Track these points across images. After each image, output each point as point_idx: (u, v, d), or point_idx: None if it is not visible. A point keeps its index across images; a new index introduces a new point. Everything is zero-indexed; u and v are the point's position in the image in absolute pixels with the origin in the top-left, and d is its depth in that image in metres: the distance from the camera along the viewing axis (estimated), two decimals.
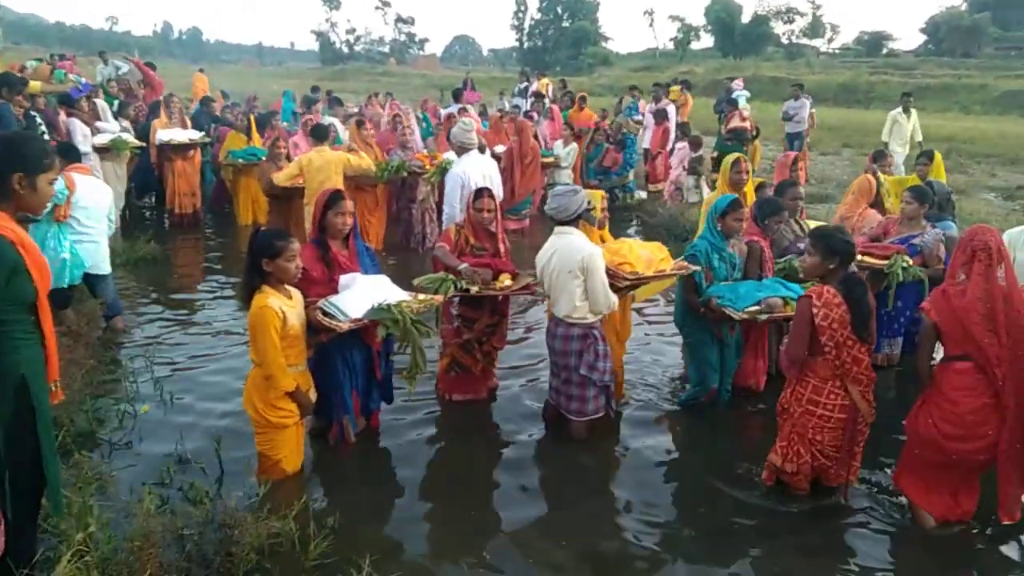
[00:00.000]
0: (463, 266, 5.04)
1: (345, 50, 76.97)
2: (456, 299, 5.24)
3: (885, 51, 64.34)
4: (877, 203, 6.89)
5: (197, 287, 8.31)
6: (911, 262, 5.50)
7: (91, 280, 6.30)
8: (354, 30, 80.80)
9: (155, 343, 6.44)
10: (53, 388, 3.22)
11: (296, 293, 4.21)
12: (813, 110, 14.85)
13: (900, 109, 14.10)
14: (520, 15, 71.01)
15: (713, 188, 11.42)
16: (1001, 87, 31.13)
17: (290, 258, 4.02)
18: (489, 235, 5.33)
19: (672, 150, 13.04)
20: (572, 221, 4.70)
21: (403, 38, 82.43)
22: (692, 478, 4.67)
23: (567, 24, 68.79)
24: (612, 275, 4.70)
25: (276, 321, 3.96)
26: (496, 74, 53.14)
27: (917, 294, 5.53)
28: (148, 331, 6.77)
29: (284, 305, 4.03)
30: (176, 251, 9.85)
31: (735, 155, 6.39)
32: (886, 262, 5.46)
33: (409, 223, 9.94)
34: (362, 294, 4.35)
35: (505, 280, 5.21)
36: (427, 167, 9.52)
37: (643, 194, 13.25)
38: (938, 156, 7.76)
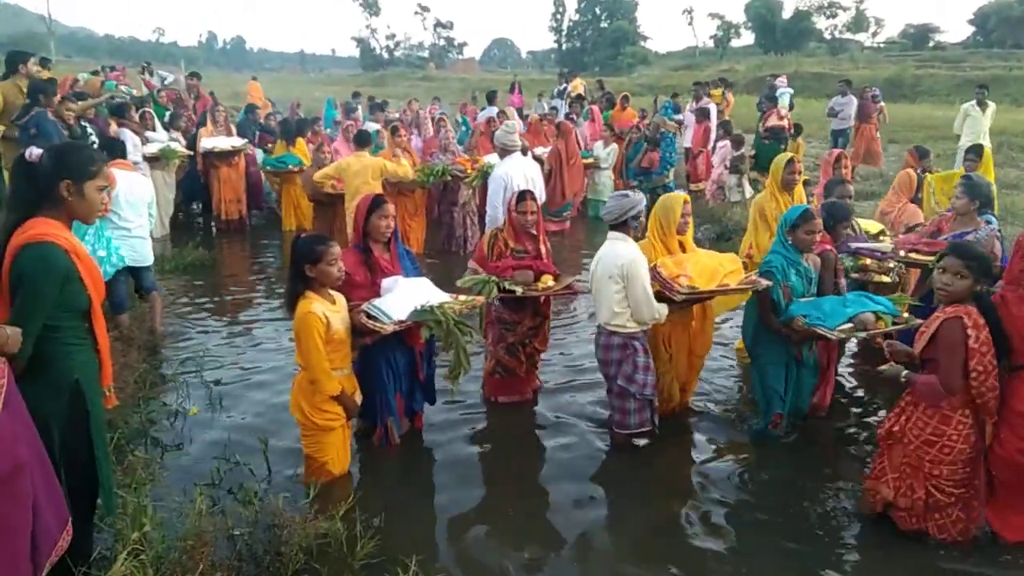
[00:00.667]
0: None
1: (385, 56, 77.64)
2: (496, 303, 5.28)
3: (932, 44, 62.84)
4: (917, 199, 6.84)
5: (244, 292, 8.46)
6: None
7: (136, 272, 6.45)
8: (394, 35, 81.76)
9: (204, 347, 6.58)
10: (107, 392, 3.33)
11: (340, 298, 4.27)
12: (882, 103, 14.40)
13: (974, 102, 13.29)
14: (558, 16, 70.94)
15: (754, 187, 11.34)
16: None
17: (331, 262, 4.08)
18: (530, 237, 5.35)
19: (714, 149, 12.93)
20: (620, 226, 4.61)
21: (442, 42, 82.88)
22: (768, 500, 4.38)
23: (605, 24, 68.49)
24: (669, 288, 4.53)
25: (320, 326, 4.02)
26: (535, 76, 53.13)
27: None
28: (197, 335, 6.92)
29: (328, 310, 4.09)
30: (223, 257, 10.05)
31: (788, 155, 6.21)
32: (931, 259, 5.35)
33: (451, 227, 10.02)
34: (405, 296, 4.40)
35: (548, 281, 5.22)
36: (468, 171, 9.59)
37: (684, 194, 13.12)
38: (987, 151, 7.61)
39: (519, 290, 5.05)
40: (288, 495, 4.06)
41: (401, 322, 4.29)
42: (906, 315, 4.67)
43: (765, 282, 4.68)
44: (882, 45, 65.69)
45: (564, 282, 5.33)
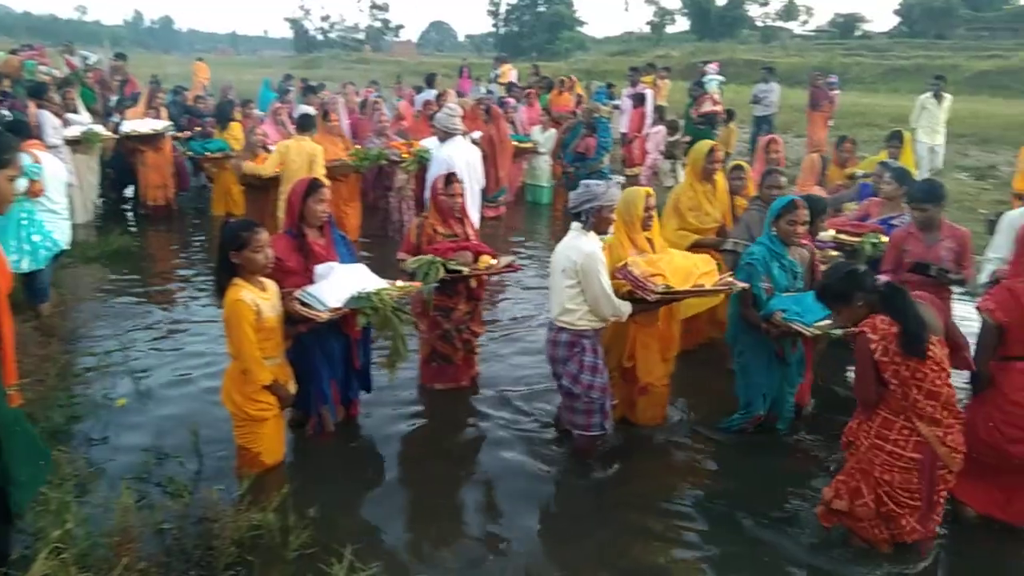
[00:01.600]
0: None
1: (319, 37, 76.07)
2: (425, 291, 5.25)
3: (859, 33, 64.61)
4: (822, 182, 7.19)
5: (172, 280, 8.23)
6: (885, 240, 5.52)
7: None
8: (328, 17, 79.91)
9: (130, 336, 6.37)
10: (8, 392, 3.15)
11: (271, 285, 4.18)
12: (837, 91, 14.39)
13: (930, 94, 12.47)
14: (496, 0, 70.57)
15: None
16: (973, 68, 31.34)
17: (257, 249, 3.97)
18: (458, 221, 5.33)
19: (648, 134, 13.05)
20: (577, 215, 4.36)
21: (378, 24, 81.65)
22: (724, 516, 4.17)
23: (543, 9, 68.32)
24: (641, 288, 4.27)
25: (250, 314, 3.93)
26: (473, 60, 52.79)
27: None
28: (123, 324, 6.69)
29: (258, 297, 4.00)
30: (150, 244, 9.74)
31: (708, 143, 6.10)
32: (858, 240, 5.51)
33: (387, 212, 9.90)
34: (340, 283, 4.32)
35: (489, 260, 5.20)
36: (404, 155, 9.47)
37: (620, 179, 13.24)
38: (907, 136, 7.85)
39: (465, 269, 5.04)
40: (221, 488, 3.96)
41: (337, 309, 4.22)
42: None
43: (741, 284, 4.52)
44: (812, 33, 67.21)
45: (505, 260, 5.35)
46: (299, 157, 8.15)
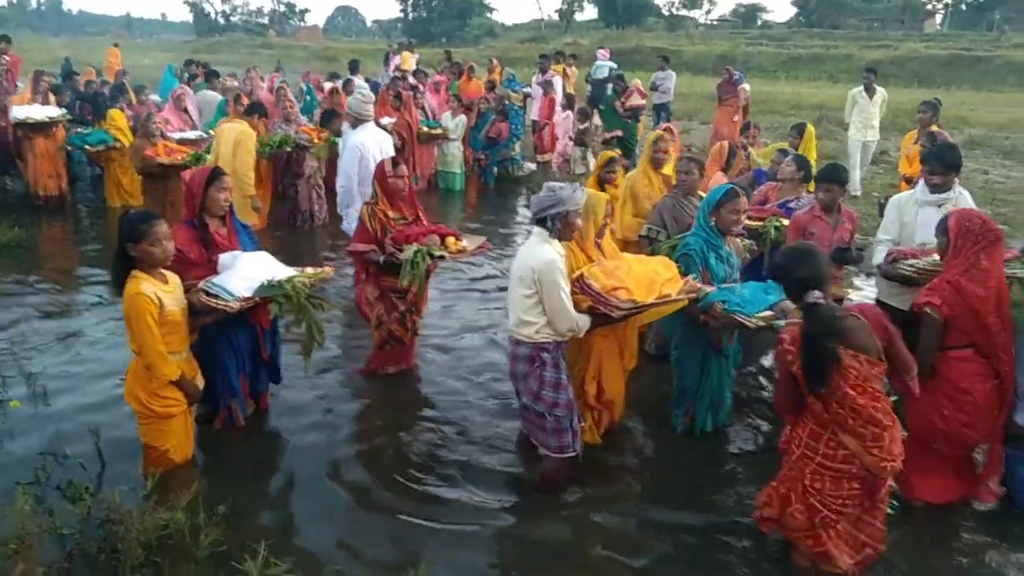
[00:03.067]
0: (381, 258, 5.06)
1: (221, 21, 73.65)
2: (372, 275, 5.26)
3: (760, 23, 66.73)
4: (726, 169, 7.34)
5: (66, 274, 7.85)
6: (787, 224, 5.73)
7: None
8: (229, 0, 77.50)
9: (22, 335, 6.05)
10: None
11: (173, 277, 4.03)
12: (744, 85, 14.07)
13: (861, 88, 11.78)
14: None
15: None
16: (866, 57, 32.77)
17: (155, 242, 3.82)
18: (406, 203, 5.30)
19: (558, 121, 13.15)
20: (542, 220, 3.95)
21: (282, 8, 79.60)
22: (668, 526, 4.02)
23: None
24: (605, 303, 3.91)
25: (151, 308, 3.78)
26: (381, 45, 52.07)
27: None
28: (14, 322, 6.35)
29: (159, 290, 3.86)
30: (42, 236, 9.25)
31: (657, 133, 6.17)
32: (761, 224, 5.70)
33: (295, 200, 9.65)
34: (247, 272, 4.21)
35: (461, 243, 5.20)
36: (315, 141, 9.27)
37: (532, 166, 13.34)
38: (810, 129, 8.04)
39: (446, 254, 5.05)
40: (126, 488, 3.81)
41: (247, 299, 4.11)
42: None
43: (708, 288, 4.32)
44: (715, 23, 68.98)
45: (476, 241, 5.39)
46: (225, 142, 7.87)
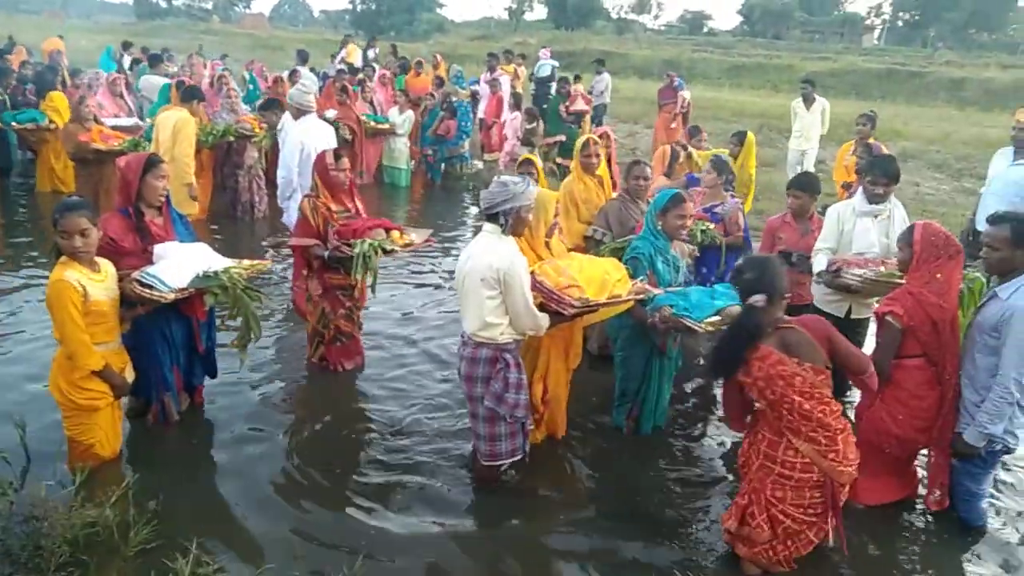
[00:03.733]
0: (326, 252, 5.00)
1: (163, 4, 71.67)
2: (315, 272, 5.20)
3: (705, 30, 67.90)
4: (669, 174, 7.47)
5: None
6: (713, 227, 5.84)
7: None
8: None
9: None
10: None
11: (106, 265, 3.91)
12: (684, 92, 13.84)
13: (800, 99, 11.84)
14: None
15: (545, 159, 11.68)
16: (807, 68, 33.51)
17: (64, 234, 3.67)
18: (347, 195, 5.25)
19: (506, 121, 13.16)
20: (492, 218, 3.86)
21: None
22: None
23: None
24: (557, 301, 3.90)
25: (74, 295, 3.66)
26: (329, 36, 51.40)
27: (715, 259, 5.94)
28: None
29: (85, 278, 3.74)
30: None
31: (585, 137, 6.13)
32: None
33: (236, 191, 9.46)
34: (183, 262, 4.12)
35: (406, 237, 5.17)
36: (256, 131, 9.10)
37: (479, 164, 13.32)
38: (750, 137, 8.20)
39: (398, 248, 5.01)
40: (52, 483, 3.71)
41: (182, 290, 4.02)
42: None
43: (656, 291, 4.32)
44: (662, 28, 70.00)
45: (424, 234, 5.38)
46: (165, 129, 7.66)
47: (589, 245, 5.50)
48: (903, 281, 4.16)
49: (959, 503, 4.09)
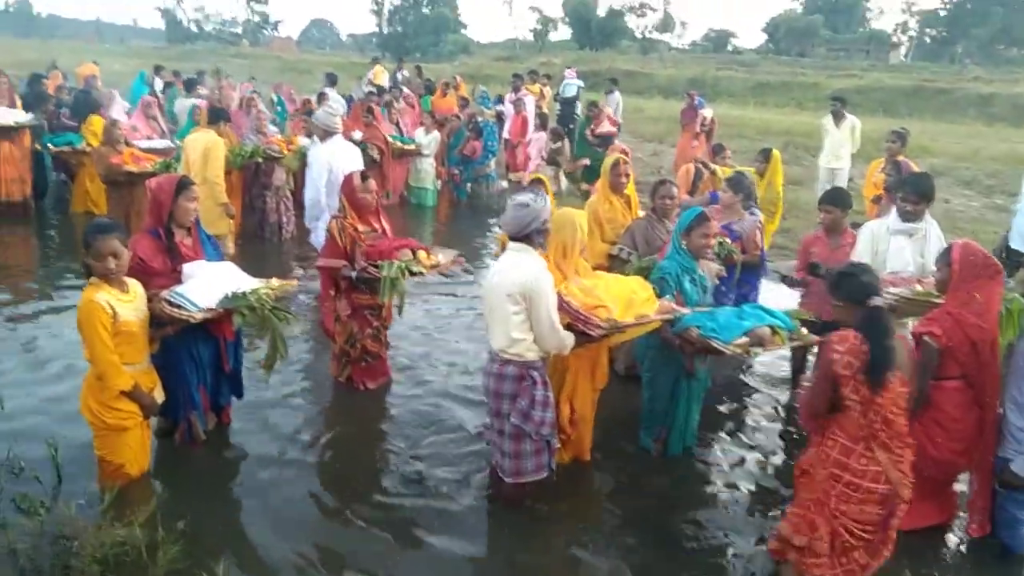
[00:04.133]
0: (353, 273, 5.04)
1: (194, 29, 73.11)
2: (343, 292, 5.23)
3: (730, 48, 67.89)
4: (693, 192, 7.49)
5: (26, 281, 7.69)
6: (730, 243, 5.81)
7: None
8: (203, 8, 77.12)
9: None
10: None
11: (135, 286, 3.96)
12: (704, 110, 13.63)
13: (829, 116, 11.65)
14: (379, 0, 69.80)
15: (572, 181, 11.66)
16: (832, 85, 33.35)
17: (97, 255, 3.72)
18: (374, 216, 5.29)
19: (531, 140, 13.20)
20: (524, 239, 3.84)
21: (256, 19, 79.21)
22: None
23: (427, 11, 68.26)
24: (584, 321, 3.88)
25: (104, 316, 3.71)
26: (356, 59, 52.08)
27: (731, 275, 5.89)
28: None
29: (115, 299, 3.78)
30: (4, 242, 9.04)
31: (615, 157, 6.08)
32: None
33: (264, 212, 9.57)
34: (211, 282, 4.17)
35: (434, 257, 5.23)
36: (284, 152, 9.21)
37: (504, 184, 13.36)
38: (776, 154, 8.14)
39: (424, 269, 5.07)
40: (82, 502, 3.74)
41: (211, 309, 4.05)
42: (803, 330, 4.43)
43: (683, 310, 4.28)
44: (687, 47, 70.06)
45: (451, 255, 5.46)
46: (194, 151, 7.77)
47: (614, 264, 5.47)
48: (939, 300, 4.12)
49: (1002, 529, 3.99)
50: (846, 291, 3.46)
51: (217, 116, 8.44)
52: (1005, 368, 3.91)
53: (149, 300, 4.00)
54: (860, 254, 5.01)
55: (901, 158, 8.31)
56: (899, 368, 3.32)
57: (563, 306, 3.93)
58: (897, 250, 4.88)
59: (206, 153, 7.71)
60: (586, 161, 12.13)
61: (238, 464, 4.55)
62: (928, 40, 68.15)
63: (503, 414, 3.94)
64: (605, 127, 12.60)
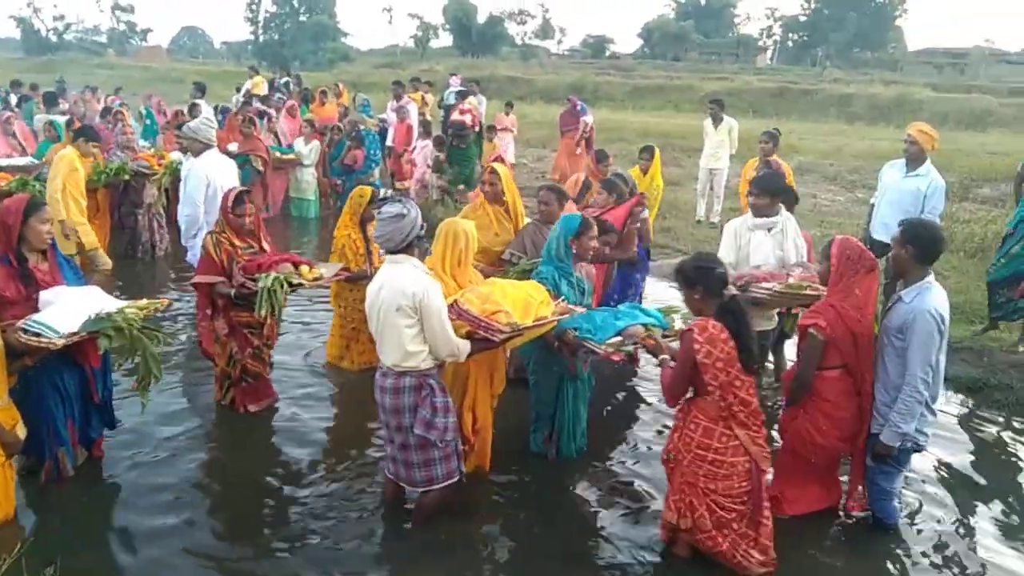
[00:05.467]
0: (231, 290, 4.87)
1: (53, 39, 69.06)
2: (220, 311, 5.03)
3: (608, 54, 69.64)
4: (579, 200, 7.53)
5: None
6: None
7: None
8: (63, 16, 72.79)
9: None
10: None
11: None
12: (587, 117, 13.94)
13: (709, 119, 11.93)
14: (254, 7, 67.85)
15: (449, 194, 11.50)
16: (706, 88, 34.68)
17: None
18: (250, 234, 5.11)
19: (416, 148, 13.11)
20: (405, 249, 3.82)
21: (122, 27, 75.65)
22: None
23: (304, 18, 66.90)
24: (486, 327, 3.86)
25: None
26: (230, 68, 50.51)
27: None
28: None
29: None
30: None
31: (491, 166, 5.95)
32: None
33: (135, 231, 9.10)
34: (72, 307, 3.90)
35: (318, 270, 5.09)
36: (155, 168, 8.78)
37: (390, 193, 13.20)
38: (657, 151, 8.56)
39: (306, 283, 4.89)
40: None
41: (73, 334, 3.79)
42: (677, 326, 4.45)
43: (579, 309, 4.37)
44: (566, 53, 71.41)
45: (333, 268, 5.35)
46: (54, 168, 7.26)
47: (505, 268, 5.47)
48: (809, 293, 4.39)
49: (875, 503, 4.23)
50: (704, 284, 3.68)
51: (80, 133, 7.89)
52: (875, 351, 4.12)
53: (3, 331, 3.71)
54: (725, 250, 5.24)
55: (773, 157, 8.69)
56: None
57: (462, 314, 3.91)
58: (757, 244, 5.13)
59: (52, 166, 7.25)
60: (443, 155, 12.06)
61: (111, 500, 4.28)
62: (791, 44, 72.00)
63: (405, 427, 3.87)
64: (454, 116, 12.48)
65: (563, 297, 4.42)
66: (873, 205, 7.12)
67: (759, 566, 3.69)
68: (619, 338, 4.22)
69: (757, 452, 3.63)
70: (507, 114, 15.49)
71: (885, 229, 6.49)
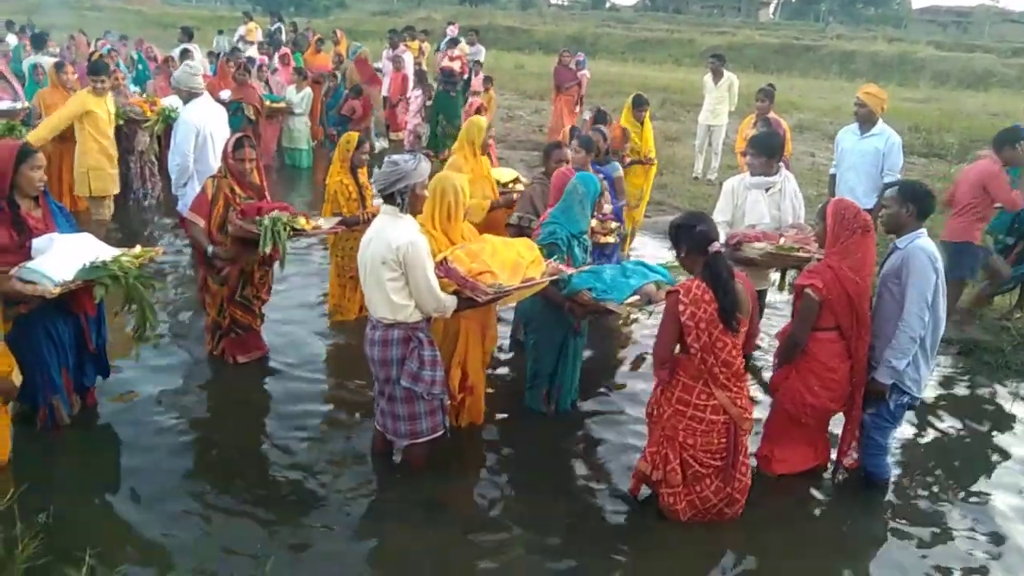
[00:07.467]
0: (212, 249, 4.84)
1: None
2: (214, 259, 4.94)
3: (608, 5, 68.57)
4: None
5: None
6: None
7: None
8: None
9: None
10: None
11: None
12: (585, 71, 13.70)
13: (709, 74, 11.79)
14: None
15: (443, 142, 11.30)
16: (707, 42, 34.24)
17: None
18: (252, 184, 5.05)
19: (410, 98, 12.93)
20: (388, 199, 3.81)
21: None
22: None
23: None
24: (472, 288, 3.83)
25: None
26: (224, 12, 49.58)
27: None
28: None
29: None
30: None
31: (484, 121, 5.92)
32: None
33: (126, 178, 8.99)
34: (67, 254, 3.88)
35: (316, 221, 5.06)
36: (148, 114, 8.65)
37: (384, 143, 13.09)
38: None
39: (306, 229, 4.83)
40: None
41: (69, 282, 3.78)
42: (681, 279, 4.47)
43: (570, 270, 4.31)
44: (566, 3, 70.25)
45: (333, 220, 5.34)
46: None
47: (513, 233, 5.34)
48: (802, 254, 4.40)
49: (867, 458, 4.28)
50: (688, 242, 3.67)
51: (96, 70, 7.59)
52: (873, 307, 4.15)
53: None
54: (721, 209, 5.23)
55: (771, 115, 8.59)
56: (741, 311, 3.58)
57: (449, 272, 3.89)
58: (753, 203, 5.10)
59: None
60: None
61: (105, 449, 4.31)
62: None
63: (392, 379, 3.90)
64: (444, 63, 12.24)
65: (556, 257, 4.36)
66: (834, 175, 7.00)
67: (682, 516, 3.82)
68: (636, 297, 4.22)
69: (737, 414, 3.68)
70: (486, 89, 13.38)
71: (852, 194, 6.43)
